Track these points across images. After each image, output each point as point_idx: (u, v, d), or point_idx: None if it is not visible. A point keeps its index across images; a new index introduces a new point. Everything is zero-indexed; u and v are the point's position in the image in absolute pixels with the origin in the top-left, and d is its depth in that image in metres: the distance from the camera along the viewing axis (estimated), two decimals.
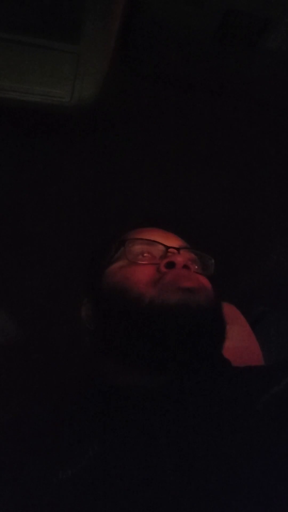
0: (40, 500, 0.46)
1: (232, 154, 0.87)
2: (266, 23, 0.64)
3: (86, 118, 0.74)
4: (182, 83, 0.75)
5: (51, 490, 0.46)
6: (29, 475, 0.48)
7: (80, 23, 0.58)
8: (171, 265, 0.58)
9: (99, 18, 0.59)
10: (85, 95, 0.69)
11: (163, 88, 0.75)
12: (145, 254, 0.61)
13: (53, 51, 0.62)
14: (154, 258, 0.61)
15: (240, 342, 0.76)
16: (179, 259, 0.58)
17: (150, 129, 0.80)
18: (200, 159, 0.87)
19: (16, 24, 0.58)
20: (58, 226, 0.89)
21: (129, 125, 0.79)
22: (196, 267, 0.63)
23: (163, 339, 0.53)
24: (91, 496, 0.45)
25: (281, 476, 0.44)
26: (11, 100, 0.69)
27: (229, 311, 0.77)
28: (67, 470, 0.47)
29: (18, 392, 0.78)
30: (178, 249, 0.61)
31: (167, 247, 0.61)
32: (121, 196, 0.86)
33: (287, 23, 0.64)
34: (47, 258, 0.90)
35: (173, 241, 0.63)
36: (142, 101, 0.75)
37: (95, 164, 0.84)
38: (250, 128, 0.83)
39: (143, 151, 0.84)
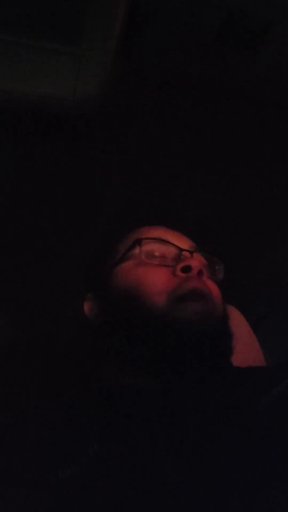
0: (40, 500, 0.46)
1: (232, 154, 0.87)
2: (267, 24, 0.64)
3: (88, 119, 0.74)
4: (183, 84, 0.75)
5: (51, 489, 0.46)
6: (28, 475, 0.48)
7: (81, 25, 0.59)
8: (187, 269, 0.58)
9: (100, 20, 0.59)
10: (87, 96, 0.69)
11: (165, 89, 0.75)
12: (156, 254, 0.61)
13: (54, 52, 0.62)
14: (166, 259, 0.60)
15: (241, 343, 0.76)
16: (195, 263, 0.58)
17: (151, 129, 0.81)
18: (201, 160, 0.87)
19: (18, 26, 0.59)
20: (59, 226, 0.89)
21: (131, 125, 0.79)
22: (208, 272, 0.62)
23: (170, 351, 0.53)
24: (91, 496, 0.45)
25: (282, 476, 0.44)
26: (13, 101, 0.69)
27: (230, 312, 0.77)
28: (67, 469, 0.47)
29: (18, 392, 0.77)
30: (191, 252, 0.61)
31: (181, 250, 0.61)
32: (121, 196, 0.86)
33: None
34: (48, 258, 0.90)
35: (184, 243, 0.63)
36: (143, 102, 0.76)
37: (96, 165, 0.84)
38: (251, 129, 0.83)
39: (144, 152, 0.84)
